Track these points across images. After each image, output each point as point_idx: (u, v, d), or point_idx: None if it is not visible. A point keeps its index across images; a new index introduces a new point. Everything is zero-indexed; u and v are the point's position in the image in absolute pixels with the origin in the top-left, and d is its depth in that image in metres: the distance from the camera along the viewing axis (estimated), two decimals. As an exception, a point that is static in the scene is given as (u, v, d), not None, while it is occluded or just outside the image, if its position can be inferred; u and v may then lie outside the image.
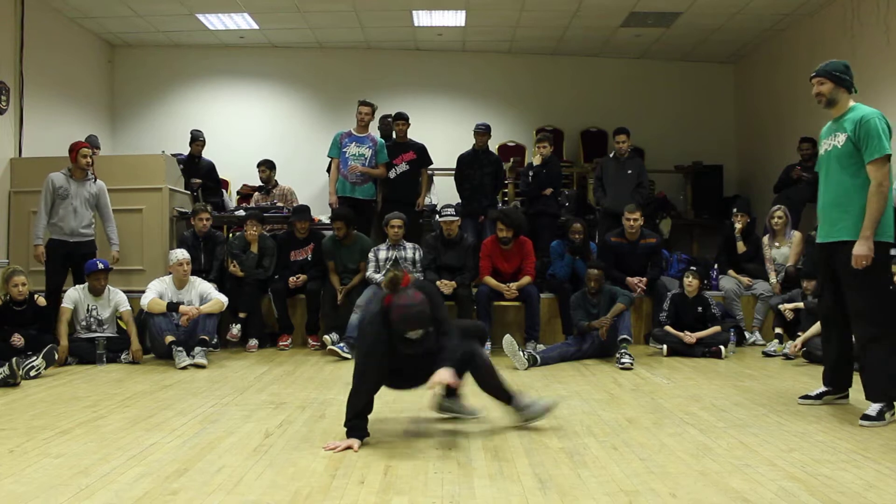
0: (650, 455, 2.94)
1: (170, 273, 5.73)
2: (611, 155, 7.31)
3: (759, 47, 9.22)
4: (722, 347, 5.59)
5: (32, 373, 4.74)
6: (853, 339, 3.76)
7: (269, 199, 7.78)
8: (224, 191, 8.63)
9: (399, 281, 3.07)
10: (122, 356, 5.48)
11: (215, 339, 5.76)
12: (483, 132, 7.05)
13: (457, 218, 6.16)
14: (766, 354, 5.72)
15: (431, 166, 7.31)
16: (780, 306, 5.96)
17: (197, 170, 7.72)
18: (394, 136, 7.30)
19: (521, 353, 5.19)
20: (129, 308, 5.67)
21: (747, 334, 6.33)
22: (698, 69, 9.88)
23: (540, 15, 8.31)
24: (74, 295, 5.59)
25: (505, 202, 8.09)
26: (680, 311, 5.83)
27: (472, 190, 7.00)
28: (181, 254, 5.70)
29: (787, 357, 5.51)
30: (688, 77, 9.87)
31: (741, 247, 6.62)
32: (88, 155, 5.88)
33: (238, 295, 6.07)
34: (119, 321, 5.70)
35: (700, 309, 5.79)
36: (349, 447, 3.01)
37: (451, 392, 3.49)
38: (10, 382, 4.49)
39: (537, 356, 5.31)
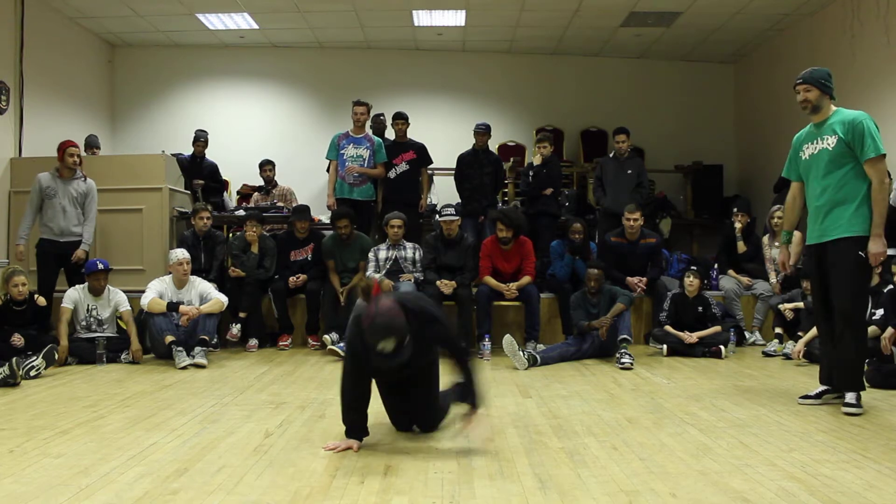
0: (650, 455, 2.94)
1: (170, 273, 5.73)
2: (611, 155, 7.31)
3: (759, 47, 9.22)
4: (722, 347, 5.60)
5: (32, 373, 4.74)
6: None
7: (268, 199, 7.78)
8: (224, 191, 8.63)
9: (369, 289, 2.87)
10: (122, 356, 5.48)
11: (215, 339, 5.76)
12: (483, 132, 7.05)
13: (457, 218, 6.16)
14: (766, 354, 5.72)
15: (431, 166, 7.30)
16: (780, 306, 5.96)
17: (200, 170, 7.73)
18: (386, 133, 7.31)
19: (521, 353, 5.19)
20: (129, 308, 5.67)
21: (747, 334, 6.33)
22: (698, 69, 9.88)
23: (540, 15, 8.31)
24: (74, 295, 5.58)
25: (505, 202, 8.09)
26: (680, 310, 5.83)
27: (472, 190, 7.00)
28: (181, 253, 5.70)
29: (787, 357, 5.51)
30: (688, 77, 9.87)
31: (741, 247, 6.62)
32: (76, 154, 5.85)
33: (238, 295, 6.07)
34: (119, 321, 5.70)
35: (700, 309, 5.79)
36: (349, 447, 3.01)
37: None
38: (10, 382, 4.49)
39: (537, 356, 5.31)
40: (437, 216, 6.30)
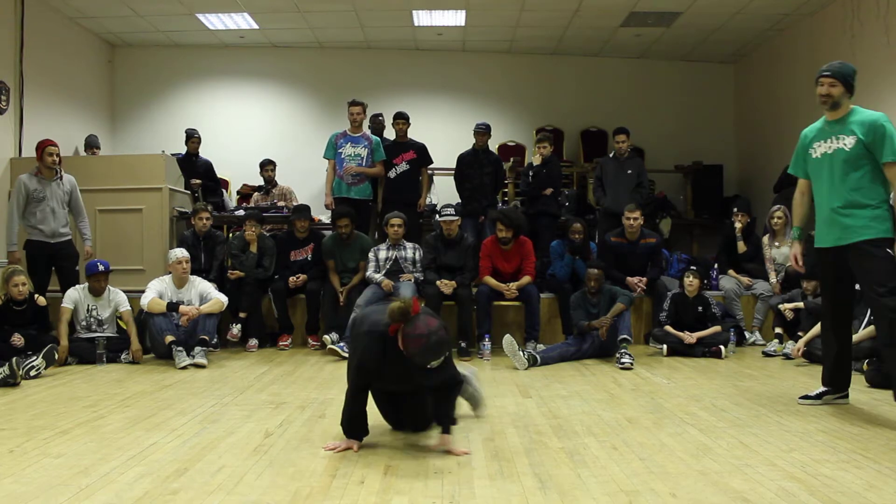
0: (650, 455, 2.94)
1: (169, 272, 5.73)
2: (611, 155, 7.30)
3: (759, 47, 9.22)
4: (722, 347, 5.60)
5: (32, 373, 4.74)
6: (852, 338, 3.81)
7: (268, 199, 7.78)
8: (224, 190, 8.63)
9: (409, 309, 2.79)
10: (122, 356, 5.47)
11: (215, 339, 5.76)
12: (483, 132, 7.05)
13: (457, 218, 6.16)
14: (766, 354, 5.72)
15: (431, 166, 7.30)
16: (780, 306, 5.96)
17: (195, 168, 7.73)
18: (385, 133, 7.31)
19: (521, 353, 5.19)
20: (129, 308, 5.66)
21: (747, 334, 6.33)
22: (698, 69, 9.88)
23: (540, 15, 8.31)
24: (74, 295, 5.58)
25: (505, 202, 8.09)
26: (680, 310, 5.83)
27: (472, 190, 7.00)
28: (180, 252, 5.70)
29: (787, 357, 5.52)
30: (688, 77, 9.87)
31: (741, 247, 6.62)
32: (55, 153, 5.78)
33: (238, 295, 6.07)
34: (119, 321, 5.69)
35: (700, 309, 5.79)
36: (349, 447, 3.01)
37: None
38: (10, 382, 4.49)
39: (537, 356, 5.31)
40: (437, 216, 6.30)
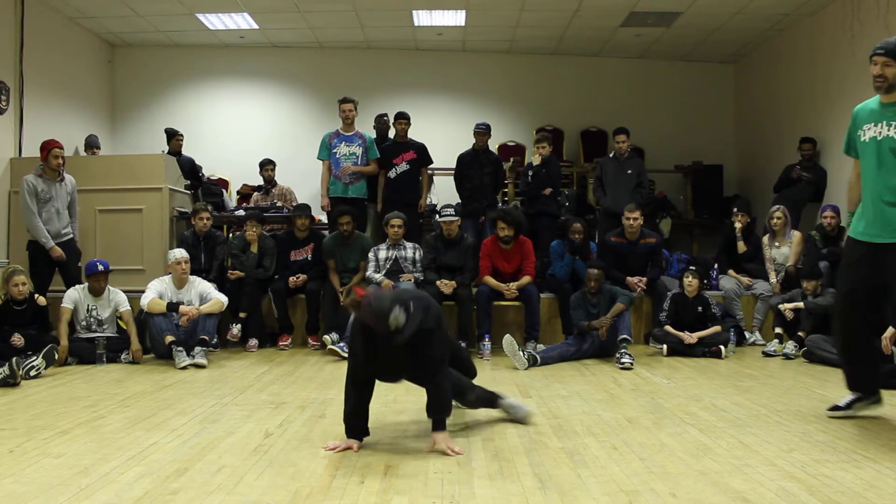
0: (650, 455, 2.94)
1: (169, 273, 5.73)
2: (611, 155, 7.30)
3: (759, 47, 9.21)
4: (722, 347, 5.59)
5: (32, 373, 4.74)
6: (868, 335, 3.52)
7: (268, 198, 7.78)
8: (224, 190, 8.63)
9: (355, 297, 2.96)
10: (122, 356, 5.48)
11: (215, 339, 5.76)
12: (483, 132, 7.05)
13: (457, 218, 6.16)
14: (766, 354, 5.72)
15: (431, 166, 7.31)
16: (780, 306, 5.96)
17: (178, 167, 7.71)
18: (391, 134, 7.31)
19: (521, 353, 5.19)
20: (129, 308, 5.66)
21: (747, 334, 6.33)
22: (698, 69, 9.88)
23: (540, 15, 8.31)
24: (74, 295, 5.58)
25: (505, 202, 8.09)
26: (680, 310, 5.83)
27: (472, 190, 7.00)
28: (179, 253, 5.70)
29: (787, 357, 5.52)
30: (688, 77, 9.87)
31: (742, 247, 6.62)
32: (61, 156, 5.80)
33: (238, 295, 6.07)
34: (119, 321, 5.69)
35: (700, 309, 5.79)
36: (349, 447, 3.01)
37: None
38: (10, 382, 4.49)
39: (537, 356, 5.31)
40: (437, 216, 6.30)
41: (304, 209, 6.58)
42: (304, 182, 8.56)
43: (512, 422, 3.49)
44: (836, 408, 3.63)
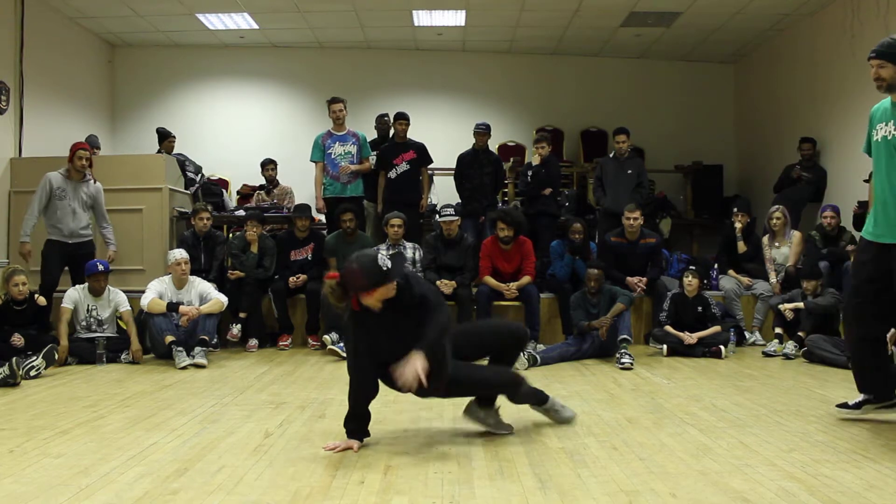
0: (650, 455, 2.94)
1: (169, 273, 5.73)
2: (611, 155, 7.31)
3: (759, 47, 9.21)
4: (722, 347, 5.59)
5: (32, 373, 4.74)
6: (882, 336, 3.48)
7: (270, 198, 7.77)
8: (224, 190, 8.63)
9: (331, 281, 3.02)
10: (122, 356, 5.48)
11: (215, 339, 5.76)
12: (483, 132, 7.05)
13: (457, 218, 6.16)
14: (766, 354, 5.72)
15: (431, 166, 7.30)
16: (780, 306, 5.96)
17: None
18: (391, 134, 7.30)
19: (520, 353, 5.19)
20: (129, 308, 5.67)
21: (747, 334, 6.32)
22: (698, 69, 9.88)
23: (540, 15, 8.31)
24: (74, 295, 5.58)
25: (505, 202, 8.09)
26: (680, 310, 5.83)
27: (472, 190, 7.00)
28: (179, 254, 5.70)
29: (787, 357, 5.52)
30: (688, 77, 9.87)
31: (742, 247, 6.62)
32: (85, 157, 5.83)
33: (238, 295, 6.07)
34: (119, 321, 5.70)
35: (700, 309, 5.79)
36: (349, 447, 3.00)
37: (486, 402, 3.28)
38: (10, 382, 4.49)
39: (537, 356, 5.30)
40: (437, 216, 6.30)
41: (304, 210, 6.57)
42: (304, 182, 8.53)
43: (512, 422, 3.48)
44: (844, 405, 3.59)
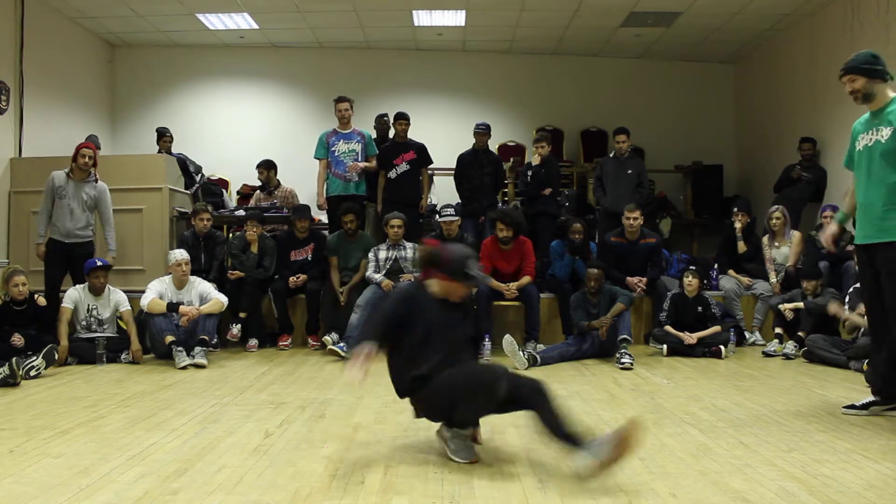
0: (650, 455, 2.94)
1: (169, 273, 5.73)
2: (611, 155, 7.31)
3: (759, 47, 9.21)
4: (722, 347, 5.60)
5: (32, 373, 4.74)
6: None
7: (270, 199, 7.76)
8: (224, 190, 8.62)
9: (428, 250, 3.00)
10: (122, 356, 5.48)
11: (215, 339, 5.76)
12: (483, 132, 7.05)
13: (457, 218, 6.16)
14: (766, 354, 5.72)
15: (431, 166, 7.30)
16: (780, 306, 5.96)
17: None
18: (391, 134, 7.30)
19: (521, 353, 5.19)
20: (130, 308, 5.67)
21: (747, 334, 6.33)
22: (698, 69, 9.88)
23: (540, 15, 8.31)
24: (74, 295, 5.58)
25: (505, 202, 8.09)
26: (680, 310, 5.83)
27: (472, 190, 7.00)
28: (180, 254, 5.70)
29: (787, 357, 5.52)
30: (688, 77, 9.86)
31: (742, 247, 6.63)
32: (88, 155, 5.84)
33: (238, 295, 6.07)
34: (119, 321, 5.70)
35: (700, 309, 5.79)
36: (368, 355, 2.73)
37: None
38: (10, 382, 4.49)
39: (537, 356, 5.31)
40: (437, 216, 6.30)
41: (303, 211, 6.56)
42: (305, 182, 8.54)
43: (512, 422, 3.48)
44: (851, 406, 3.65)
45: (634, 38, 9.06)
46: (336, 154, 6.73)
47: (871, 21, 6.82)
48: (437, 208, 6.95)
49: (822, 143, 7.63)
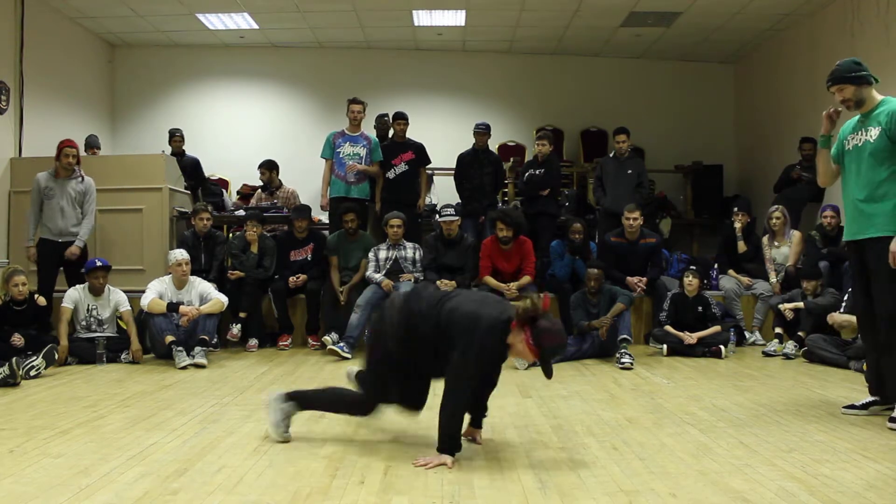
0: (650, 455, 2.94)
1: (169, 273, 5.73)
2: (611, 155, 7.31)
3: (759, 47, 9.22)
4: (722, 347, 5.60)
5: (32, 373, 4.74)
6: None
7: (271, 199, 7.76)
8: (224, 190, 8.62)
9: (539, 306, 2.78)
10: (122, 356, 5.48)
11: (215, 339, 5.76)
12: (483, 132, 7.05)
13: (457, 218, 6.16)
14: (766, 354, 5.72)
15: (431, 166, 7.30)
16: (780, 306, 5.96)
17: (182, 167, 7.71)
18: (390, 134, 7.30)
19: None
20: (130, 308, 5.66)
21: (747, 334, 6.33)
22: (698, 69, 9.88)
23: (540, 15, 8.31)
24: (74, 295, 5.58)
25: (505, 202, 8.09)
26: (680, 310, 5.83)
27: (472, 190, 7.00)
28: (180, 254, 5.69)
29: (787, 357, 5.52)
30: (688, 77, 9.87)
31: (742, 246, 6.62)
32: (71, 154, 5.78)
33: (238, 295, 6.07)
34: (119, 321, 5.69)
35: (700, 309, 5.79)
36: (442, 464, 2.77)
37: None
38: (10, 382, 4.49)
39: (537, 356, 5.29)
40: (437, 216, 6.30)
41: (303, 212, 6.56)
42: (305, 182, 8.55)
43: (512, 422, 3.48)
44: (851, 406, 3.66)
45: (634, 38, 9.06)
46: (340, 156, 6.72)
47: (871, 21, 6.82)
48: (437, 208, 6.95)
49: (821, 144, 7.62)
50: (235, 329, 6.00)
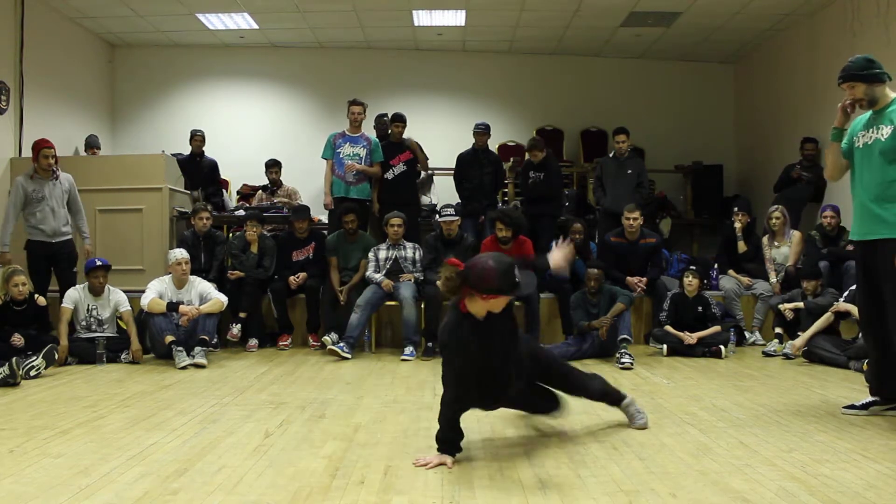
0: (650, 455, 2.94)
1: (169, 273, 5.73)
2: (611, 155, 7.31)
3: (759, 47, 9.22)
4: (722, 347, 5.59)
5: (32, 373, 4.74)
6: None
7: (272, 198, 7.77)
8: (224, 190, 8.62)
9: (455, 270, 2.71)
10: (122, 356, 5.47)
11: (215, 339, 5.76)
12: (483, 132, 7.05)
13: (457, 218, 6.16)
14: (766, 354, 5.72)
15: (431, 166, 7.31)
16: (780, 306, 5.96)
17: (199, 168, 7.71)
18: (389, 134, 7.31)
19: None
20: (129, 308, 5.66)
21: (747, 334, 6.33)
22: (698, 69, 9.88)
23: (540, 15, 8.31)
24: (74, 295, 5.58)
25: (505, 202, 8.09)
26: (680, 310, 5.83)
27: (471, 190, 7.01)
28: (180, 253, 5.69)
29: (787, 357, 5.51)
30: (688, 77, 9.87)
31: (742, 246, 6.62)
32: (51, 155, 5.70)
33: (238, 295, 6.07)
34: (119, 321, 5.69)
35: (700, 309, 5.79)
36: (442, 463, 2.79)
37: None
38: (10, 382, 4.49)
39: (537, 356, 5.29)
40: (437, 216, 6.30)
41: (303, 212, 6.55)
42: (305, 182, 8.57)
43: (512, 422, 3.49)
44: (851, 406, 3.66)
45: (634, 38, 9.06)
46: (340, 156, 6.72)
47: (871, 21, 6.82)
48: (438, 208, 6.95)
49: (822, 143, 7.62)
50: (235, 329, 6.00)
